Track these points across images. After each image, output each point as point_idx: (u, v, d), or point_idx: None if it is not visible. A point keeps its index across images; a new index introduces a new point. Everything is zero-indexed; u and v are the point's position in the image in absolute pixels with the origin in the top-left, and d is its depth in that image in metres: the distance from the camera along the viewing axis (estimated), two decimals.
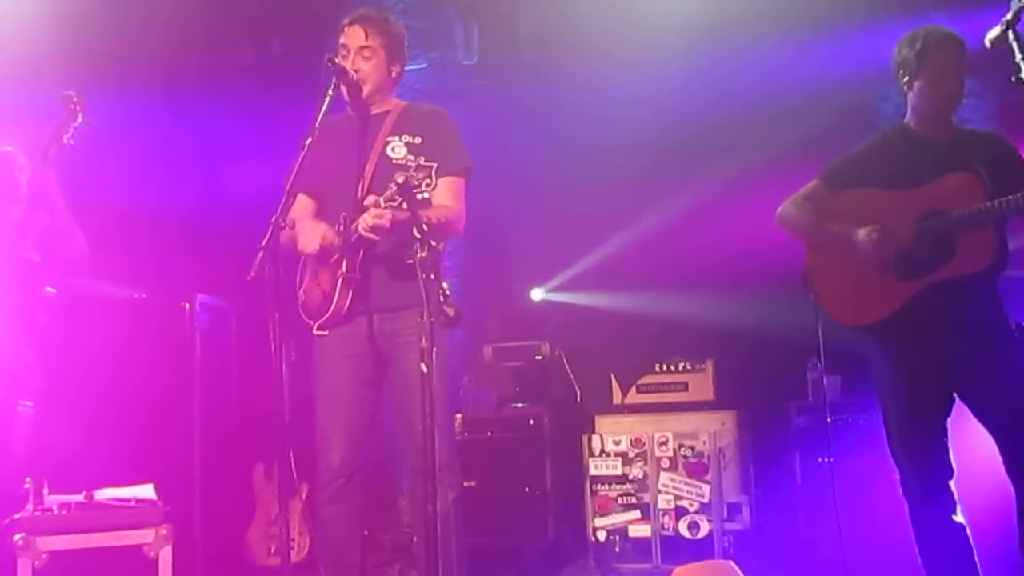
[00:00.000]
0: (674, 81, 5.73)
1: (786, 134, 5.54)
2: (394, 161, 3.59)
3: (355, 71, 3.66)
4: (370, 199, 3.42)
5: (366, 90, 3.70)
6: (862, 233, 3.57)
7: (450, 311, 2.98)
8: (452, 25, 6.47)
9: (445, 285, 3.02)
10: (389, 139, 3.67)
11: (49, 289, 4.35)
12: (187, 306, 5.41)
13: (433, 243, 3.06)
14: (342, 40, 3.73)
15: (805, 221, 3.76)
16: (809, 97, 5.53)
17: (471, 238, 6.03)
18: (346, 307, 3.58)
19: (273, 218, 3.18)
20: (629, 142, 5.81)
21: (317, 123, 3.38)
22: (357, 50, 3.70)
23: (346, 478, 3.63)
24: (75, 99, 4.28)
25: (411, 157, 3.47)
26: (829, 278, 3.74)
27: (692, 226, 5.75)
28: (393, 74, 3.79)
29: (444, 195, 3.62)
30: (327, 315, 3.60)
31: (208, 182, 6.05)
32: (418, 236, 3.06)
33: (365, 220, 3.40)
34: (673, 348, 5.65)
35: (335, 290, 3.57)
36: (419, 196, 3.29)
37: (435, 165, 3.28)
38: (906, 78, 3.63)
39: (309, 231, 3.57)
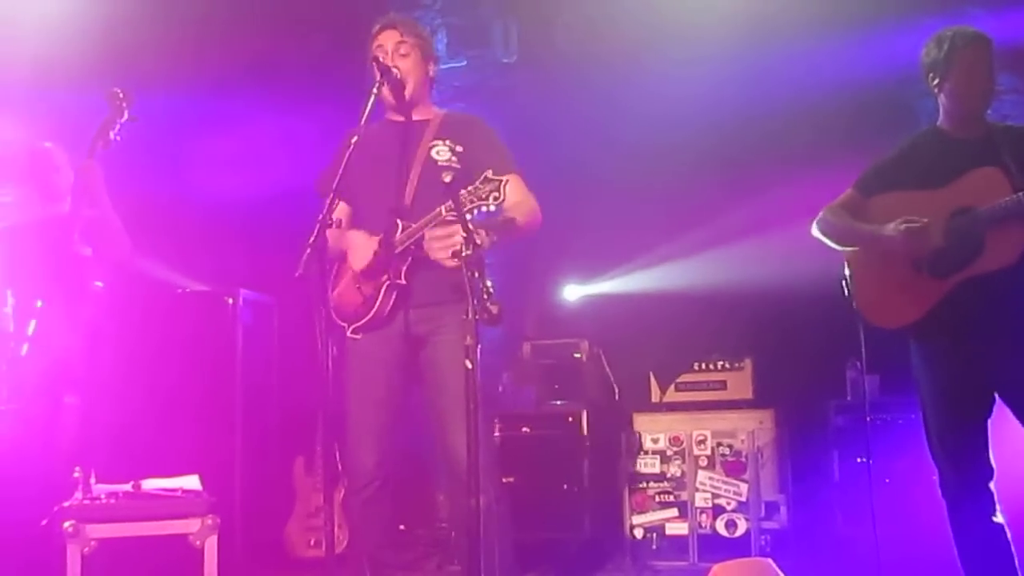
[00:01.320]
0: (713, 77, 5.73)
1: (828, 130, 5.53)
2: (439, 163, 3.48)
3: (396, 67, 3.67)
4: (438, 231, 3.39)
5: (409, 88, 3.71)
6: (890, 227, 3.56)
7: (494, 309, 3.01)
8: (491, 23, 6.51)
9: (489, 283, 3.05)
10: (433, 143, 3.65)
11: (97, 283, 4.42)
12: (230, 301, 5.50)
13: (478, 241, 3.09)
14: (377, 43, 3.74)
15: (839, 227, 3.76)
16: (851, 94, 5.51)
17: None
18: (388, 311, 3.59)
19: (320, 216, 3.21)
20: (668, 139, 5.81)
21: (362, 121, 3.43)
22: (394, 47, 3.71)
23: (381, 480, 3.64)
24: (122, 96, 4.32)
25: (454, 160, 3.42)
26: (866, 283, 3.75)
27: (732, 224, 5.74)
28: (430, 72, 3.81)
29: (516, 193, 3.61)
30: (367, 318, 3.60)
31: (253, 177, 6.12)
32: (464, 234, 3.08)
33: (448, 246, 3.34)
34: (712, 347, 5.65)
35: (378, 295, 3.57)
36: (489, 208, 3.24)
37: (488, 173, 3.26)
38: (935, 80, 3.63)
39: (359, 245, 3.62)
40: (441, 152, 3.55)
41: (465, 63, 6.54)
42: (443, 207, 3.33)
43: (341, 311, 3.69)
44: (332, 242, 3.45)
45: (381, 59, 3.59)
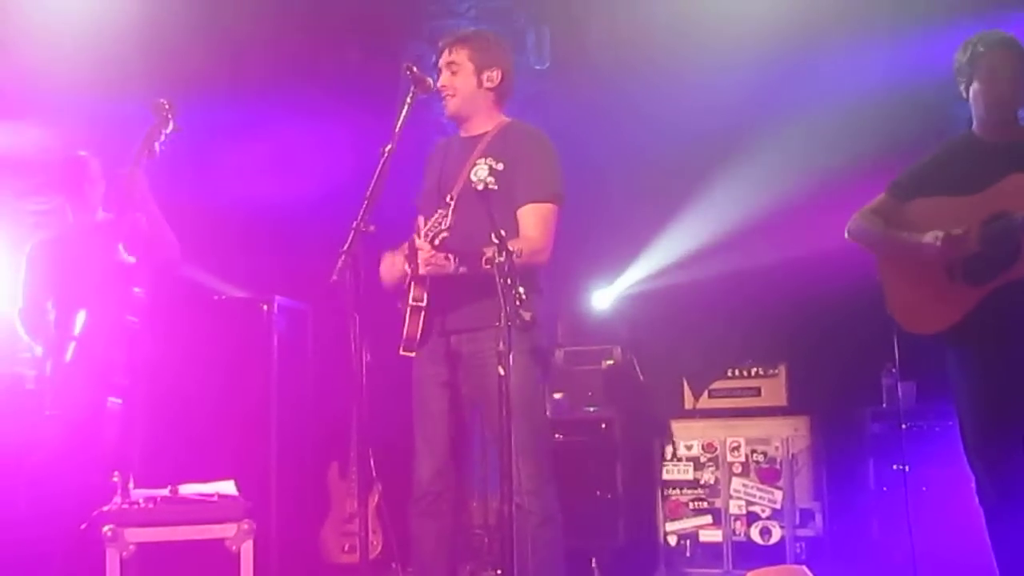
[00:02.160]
0: (746, 83, 5.71)
1: (863, 135, 5.49)
2: (474, 184, 3.52)
3: (442, 87, 3.70)
4: (419, 241, 3.47)
5: (452, 105, 3.74)
6: (928, 237, 3.55)
7: (526, 315, 3.02)
8: (524, 30, 6.52)
9: (521, 289, 3.07)
10: (477, 162, 3.65)
11: (137, 290, 4.48)
12: (265, 307, 5.54)
13: (511, 249, 3.10)
14: (438, 67, 3.79)
15: (873, 233, 3.75)
16: (886, 98, 5.47)
17: None
18: (418, 333, 3.59)
19: (354, 223, 3.25)
20: (700, 145, 5.80)
21: (396, 130, 3.45)
22: (445, 67, 3.74)
23: (435, 494, 3.64)
24: (167, 106, 4.36)
25: (491, 180, 3.47)
26: (899, 289, 3.73)
27: (766, 229, 5.72)
28: (487, 83, 3.75)
29: (527, 224, 3.59)
30: (403, 339, 3.63)
31: (288, 184, 6.18)
32: (496, 241, 3.10)
33: (421, 258, 3.46)
34: (746, 353, 5.63)
35: (406, 316, 3.60)
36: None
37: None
38: (963, 85, 3.63)
39: (387, 263, 3.71)
40: (479, 172, 3.57)
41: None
42: (423, 238, 3.44)
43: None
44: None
45: (416, 70, 3.61)
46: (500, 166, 3.59)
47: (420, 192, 3.89)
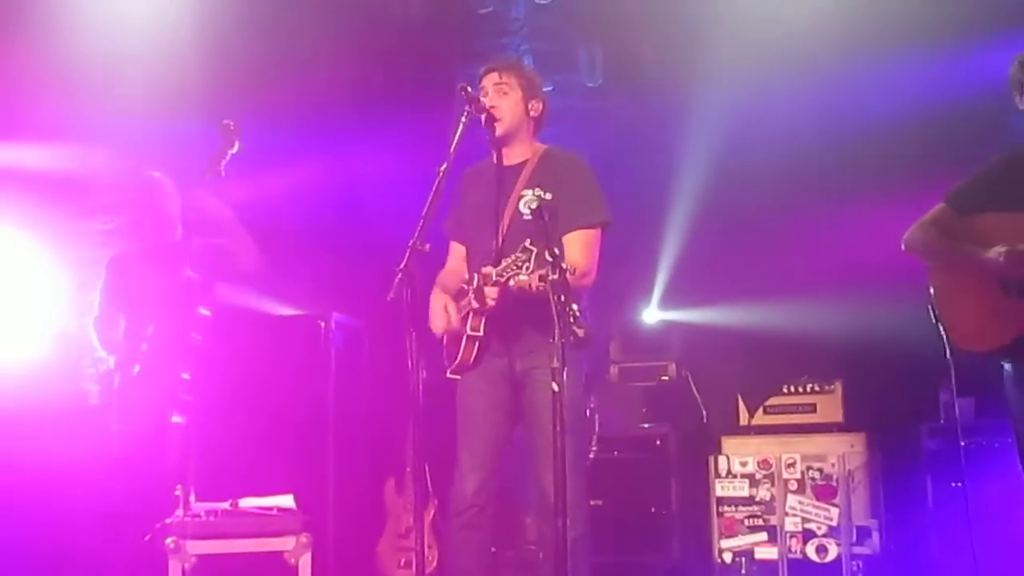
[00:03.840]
0: (800, 97, 5.69)
1: (917, 148, 5.46)
2: (524, 217, 3.65)
3: (492, 107, 3.75)
4: (486, 268, 3.55)
5: (501, 127, 3.78)
6: (992, 252, 3.51)
7: (580, 331, 3.05)
8: (576, 48, 6.57)
9: (575, 307, 3.09)
10: (523, 193, 3.73)
11: (202, 309, 4.57)
12: (323, 324, 5.62)
13: (565, 266, 3.14)
14: (481, 86, 3.83)
15: (932, 246, 3.72)
16: (941, 110, 5.43)
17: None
18: (472, 360, 3.70)
19: (410, 241, 3.30)
20: (753, 161, 5.79)
21: (451, 149, 3.52)
22: (494, 88, 3.80)
23: (479, 507, 3.70)
24: (232, 127, 4.42)
25: (546, 196, 3.59)
26: (953, 307, 3.69)
27: (820, 243, 5.69)
28: (532, 112, 3.84)
29: (574, 249, 3.65)
30: (455, 364, 3.74)
31: (346, 202, 6.27)
32: (550, 259, 3.13)
33: (487, 293, 3.54)
34: (801, 369, 5.60)
35: (461, 345, 3.69)
36: (520, 277, 3.36)
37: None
38: (1018, 95, 3.60)
39: (435, 308, 3.76)
40: (530, 203, 3.66)
41: (551, 88, 6.60)
42: (495, 270, 3.49)
43: (447, 350, 3.82)
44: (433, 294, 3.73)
45: (469, 89, 3.67)
46: (548, 195, 3.67)
47: (452, 217, 3.98)
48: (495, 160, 3.84)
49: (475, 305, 3.59)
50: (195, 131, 4.92)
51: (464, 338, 3.67)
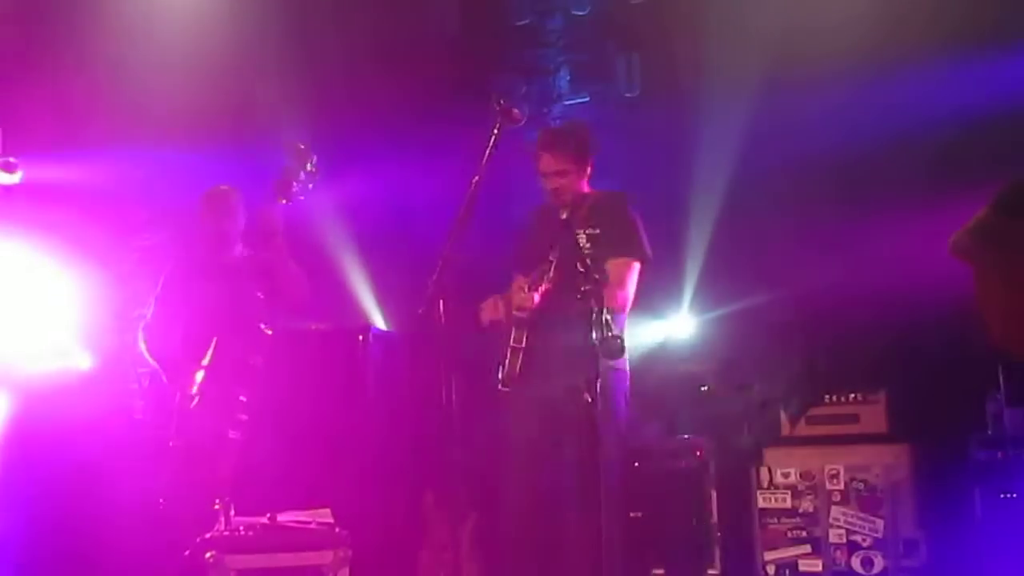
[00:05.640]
0: (840, 106, 5.64)
1: (958, 152, 5.38)
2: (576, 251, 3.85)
3: (554, 189, 4.07)
4: (519, 279, 3.86)
5: (565, 207, 4.03)
6: None
7: (615, 341, 3.05)
8: (614, 58, 6.55)
9: (609, 316, 3.09)
10: (578, 232, 3.96)
11: (265, 328, 4.58)
12: (361, 338, 5.63)
13: (597, 276, 3.15)
14: (539, 167, 4.10)
15: (980, 249, 3.66)
16: (986, 117, 5.35)
17: None
18: (517, 372, 3.87)
19: (443, 253, 3.31)
20: (793, 168, 5.73)
21: (484, 162, 3.52)
22: (553, 175, 4.07)
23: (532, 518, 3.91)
24: (303, 148, 4.44)
25: (588, 246, 3.88)
26: (1000, 314, 3.62)
27: (863, 252, 5.62)
28: (588, 173, 4.16)
29: (615, 274, 3.94)
30: (501, 376, 3.92)
31: (383, 215, 6.29)
32: (582, 270, 3.15)
33: (520, 301, 3.82)
34: (844, 378, 5.52)
35: (507, 356, 3.88)
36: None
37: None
38: None
39: (488, 305, 4.00)
40: (581, 240, 3.93)
41: (588, 99, 6.60)
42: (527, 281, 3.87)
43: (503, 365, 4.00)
44: None
45: (503, 102, 3.68)
46: (597, 231, 4.01)
47: (520, 254, 4.22)
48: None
49: (516, 314, 3.81)
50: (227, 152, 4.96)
51: (509, 351, 3.86)
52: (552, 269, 3.68)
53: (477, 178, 3.48)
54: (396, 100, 6.39)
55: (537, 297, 3.79)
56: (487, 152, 3.55)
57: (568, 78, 6.64)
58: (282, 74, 6.13)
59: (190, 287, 4.82)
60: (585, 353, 3.28)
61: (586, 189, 4.20)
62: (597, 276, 3.18)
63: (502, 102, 3.67)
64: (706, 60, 6.10)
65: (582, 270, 3.21)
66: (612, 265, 3.94)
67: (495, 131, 3.61)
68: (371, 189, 6.21)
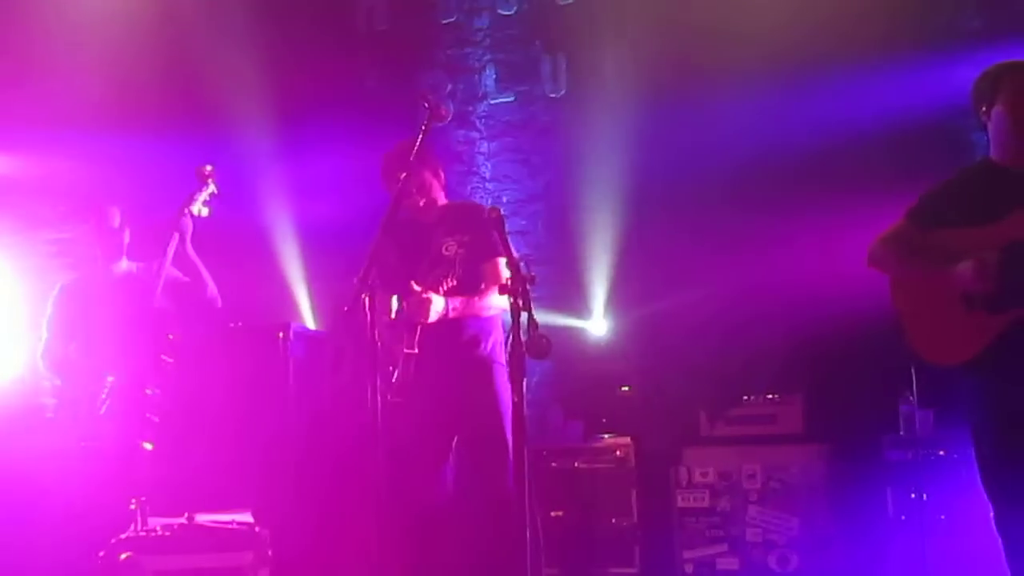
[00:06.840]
0: (762, 110, 5.71)
1: (881, 160, 5.49)
2: (447, 257, 3.94)
3: (414, 205, 4.07)
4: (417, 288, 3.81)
5: (425, 207, 4.12)
6: (959, 267, 3.52)
7: (540, 341, 3.04)
8: (539, 58, 6.58)
9: (534, 315, 3.08)
10: (443, 240, 4.00)
11: (171, 336, 4.55)
12: (281, 335, 5.55)
13: (520, 268, 3.15)
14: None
15: (895, 259, 3.73)
16: (905, 125, 5.47)
17: (555, 270, 6.13)
18: (411, 377, 3.84)
19: (369, 252, 3.28)
20: (715, 172, 5.80)
21: (412, 158, 3.51)
22: (415, 190, 4.04)
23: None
24: (208, 171, 4.55)
25: (461, 251, 3.91)
26: (916, 320, 3.69)
27: (782, 256, 5.70)
28: (441, 181, 4.21)
29: (489, 278, 3.99)
30: (394, 386, 3.85)
31: (308, 210, 6.23)
32: (505, 260, 3.16)
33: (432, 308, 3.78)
34: (762, 380, 5.60)
35: (399, 364, 3.85)
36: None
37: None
38: (983, 108, 3.61)
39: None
40: (449, 248, 3.96)
41: (513, 98, 6.61)
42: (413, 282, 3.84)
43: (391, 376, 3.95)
44: None
45: (431, 99, 3.66)
46: (467, 238, 3.99)
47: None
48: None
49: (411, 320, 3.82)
50: (149, 146, 4.90)
51: (402, 357, 3.83)
52: (456, 264, 3.74)
53: (405, 174, 3.46)
54: (324, 97, 6.33)
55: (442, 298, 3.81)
56: (415, 149, 3.53)
57: (494, 77, 6.64)
58: (202, 68, 6.02)
59: (83, 302, 4.85)
60: (476, 356, 3.36)
61: (439, 198, 4.22)
62: (523, 272, 3.15)
63: (430, 99, 3.65)
64: (631, 61, 6.15)
65: (506, 260, 3.22)
66: (488, 268, 4.00)
67: (423, 128, 3.59)
68: (298, 184, 6.15)
